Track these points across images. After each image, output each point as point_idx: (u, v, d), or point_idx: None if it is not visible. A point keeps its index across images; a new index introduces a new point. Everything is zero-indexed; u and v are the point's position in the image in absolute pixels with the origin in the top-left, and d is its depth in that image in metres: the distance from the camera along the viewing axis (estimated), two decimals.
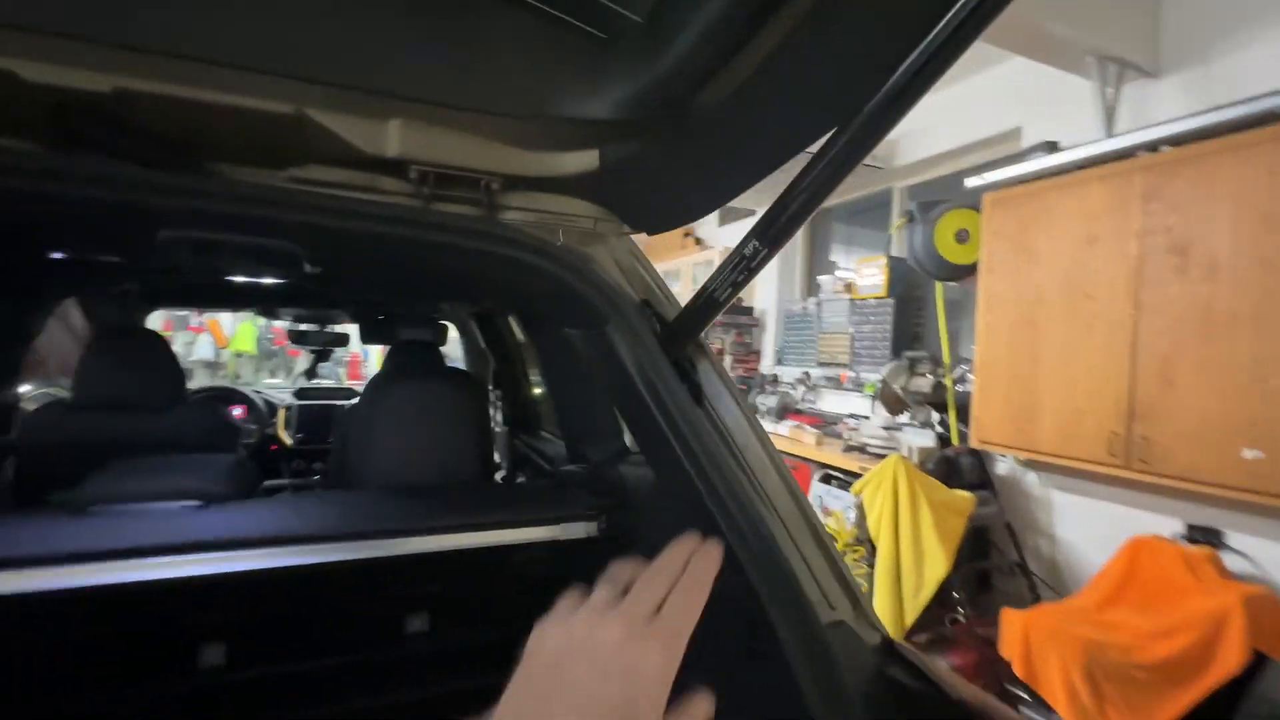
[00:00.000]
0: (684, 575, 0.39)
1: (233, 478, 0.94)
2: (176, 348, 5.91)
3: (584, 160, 0.66)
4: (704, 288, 0.65)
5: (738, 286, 0.63)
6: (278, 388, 3.32)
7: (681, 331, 0.68)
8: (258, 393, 2.73)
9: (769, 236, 0.59)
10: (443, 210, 0.65)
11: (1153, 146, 2.04)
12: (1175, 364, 1.94)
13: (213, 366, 5.81)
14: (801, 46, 0.47)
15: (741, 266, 0.61)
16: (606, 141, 0.65)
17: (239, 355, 5.98)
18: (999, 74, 2.92)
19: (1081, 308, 2.21)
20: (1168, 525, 2.21)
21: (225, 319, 5.76)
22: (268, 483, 1.10)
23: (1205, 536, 2.13)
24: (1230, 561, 2.03)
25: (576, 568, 1.04)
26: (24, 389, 2.42)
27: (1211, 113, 1.89)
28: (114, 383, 1.51)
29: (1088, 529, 2.48)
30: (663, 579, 0.39)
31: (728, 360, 4.42)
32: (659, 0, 0.53)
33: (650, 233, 0.74)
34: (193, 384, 4.62)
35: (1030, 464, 2.67)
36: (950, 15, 0.40)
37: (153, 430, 1.51)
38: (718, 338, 4.40)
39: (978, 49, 2.41)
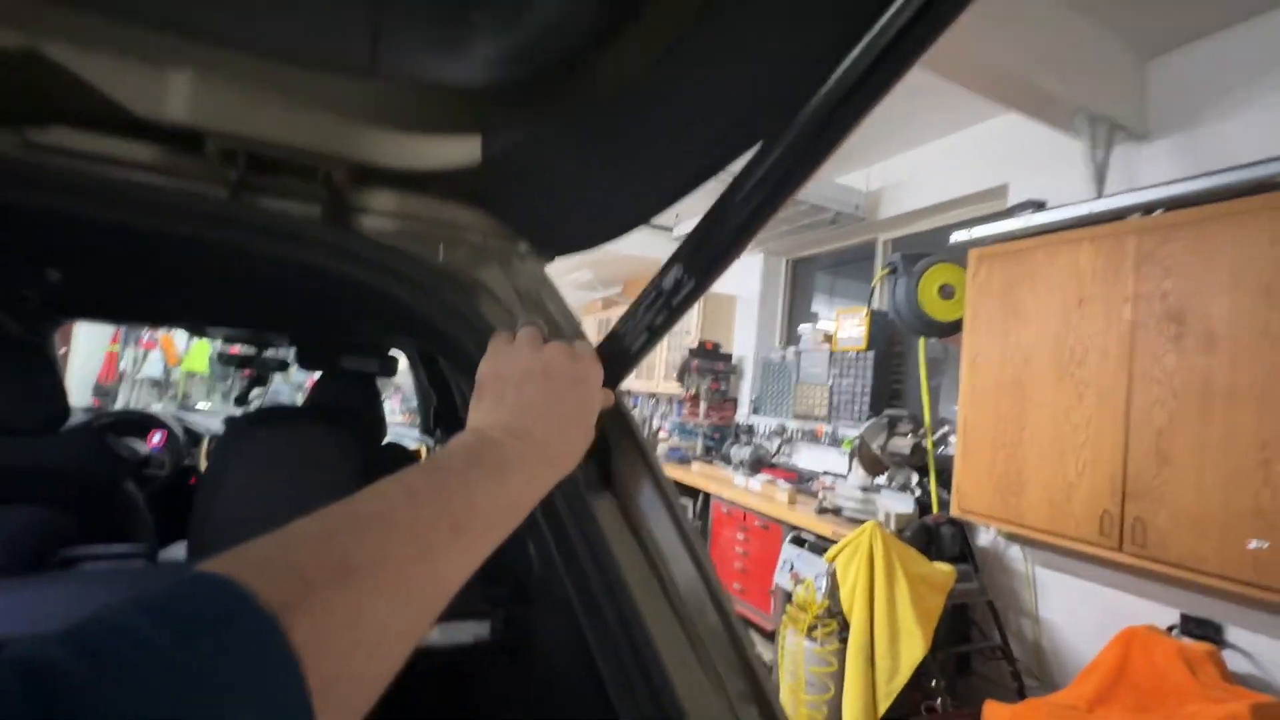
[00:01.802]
0: None
1: (8, 545, 0.72)
2: (124, 364, 5.47)
3: (461, 150, 0.49)
4: (613, 334, 0.48)
5: (656, 331, 0.45)
6: (213, 413, 3.07)
7: None
8: (179, 419, 2.48)
9: (698, 265, 0.42)
10: (255, 207, 0.47)
11: (1147, 209, 1.95)
12: (1173, 440, 1.79)
13: (160, 386, 5.48)
14: (716, 25, 0.34)
15: (660, 304, 0.44)
16: (489, 124, 0.48)
17: (191, 375, 5.66)
18: (985, 130, 2.88)
19: (1072, 373, 2.08)
20: (1164, 615, 2.03)
21: (180, 334, 5.47)
22: (74, 551, 0.86)
23: (1203, 630, 1.95)
24: (1233, 661, 1.85)
25: (464, 684, 0.82)
26: None
27: (1207, 177, 1.80)
28: None
29: (1076, 613, 2.29)
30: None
31: (702, 407, 4.24)
32: None
33: (555, 253, 0.56)
34: (116, 407, 4.31)
35: (1014, 538, 2.49)
36: (892, 13, 0.30)
37: (18, 459, 1.28)
38: (693, 382, 4.23)
39: (964, 104, 2.35)
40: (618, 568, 0.48)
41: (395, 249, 0.50)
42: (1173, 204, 1.88)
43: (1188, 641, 1.89)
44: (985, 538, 2.62)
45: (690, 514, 3.54)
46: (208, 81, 0.43)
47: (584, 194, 0.50)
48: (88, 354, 5.17)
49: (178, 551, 1.51)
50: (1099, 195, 2.11)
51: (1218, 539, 1.68)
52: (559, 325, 0.59)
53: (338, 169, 0.49)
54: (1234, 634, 1.90)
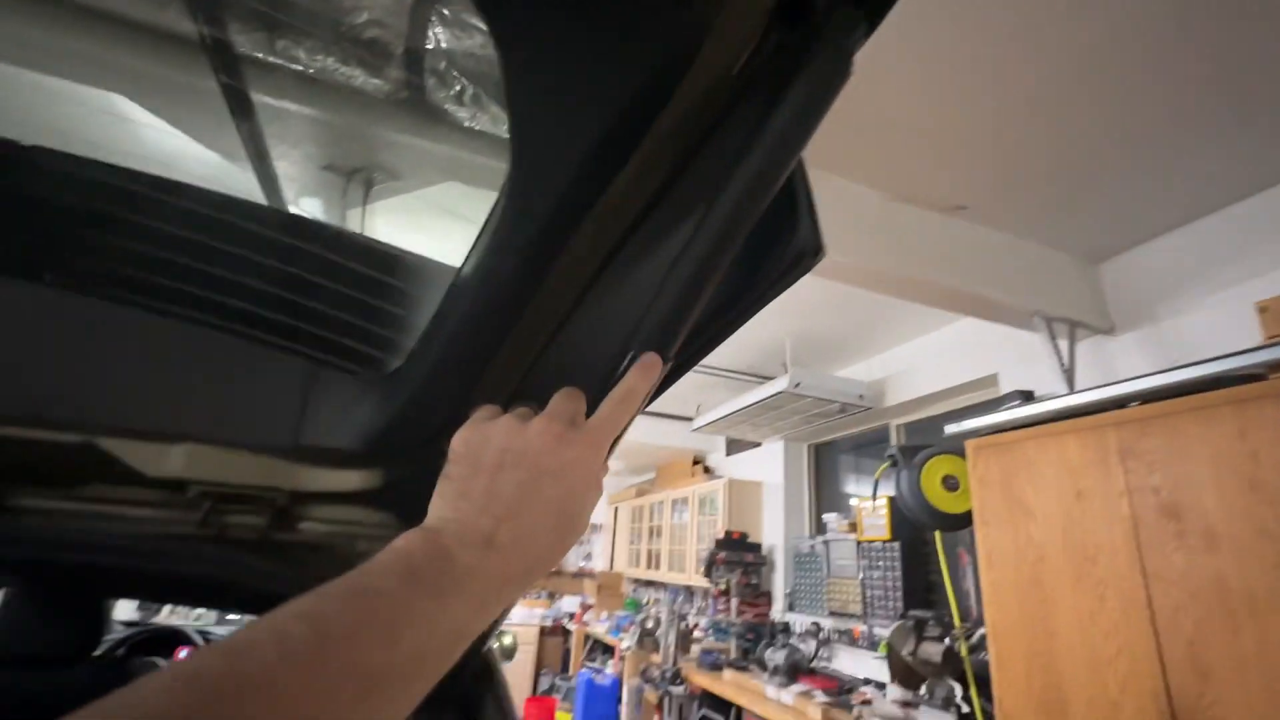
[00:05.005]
0: (614, 385, 0.39)
1: None
2: None
3: (368, 478, 0.67)
4: None
5: None
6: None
7: None
8: (203, 632, 2.55)
9: None
10: (209, 529, 0.65)
11: (1120, 402, 2.00)
12: (1206, 652, 1.65)
13: None
14: None
15: None
16: (386, 461, 0.66)
17: None
18: (970, 324, 3.05)
19: (1087, 572, 1.98)
20: None
21: None
22: None
23: None
24: None
25: None
26: None
27: (1169, 373, 1.87)
28: None
29: None
30: (578, 396, 0.40)
31: (733, 603, 4.05)
32: (414, 347, 0.59)
33: None
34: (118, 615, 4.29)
35: None
36: None
37: (46, 696, 1.33)
38: (722, 577, 4.10)
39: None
40: None
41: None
42: (1144, 398, 1.94)
43: None
44: None
45: None
46: (195, 453, 0.64)
47: None
48: None
49: None
50: (1071, 389, 2.18)
51: None
52: None
53: (280, 495, 0.67)
54: None
